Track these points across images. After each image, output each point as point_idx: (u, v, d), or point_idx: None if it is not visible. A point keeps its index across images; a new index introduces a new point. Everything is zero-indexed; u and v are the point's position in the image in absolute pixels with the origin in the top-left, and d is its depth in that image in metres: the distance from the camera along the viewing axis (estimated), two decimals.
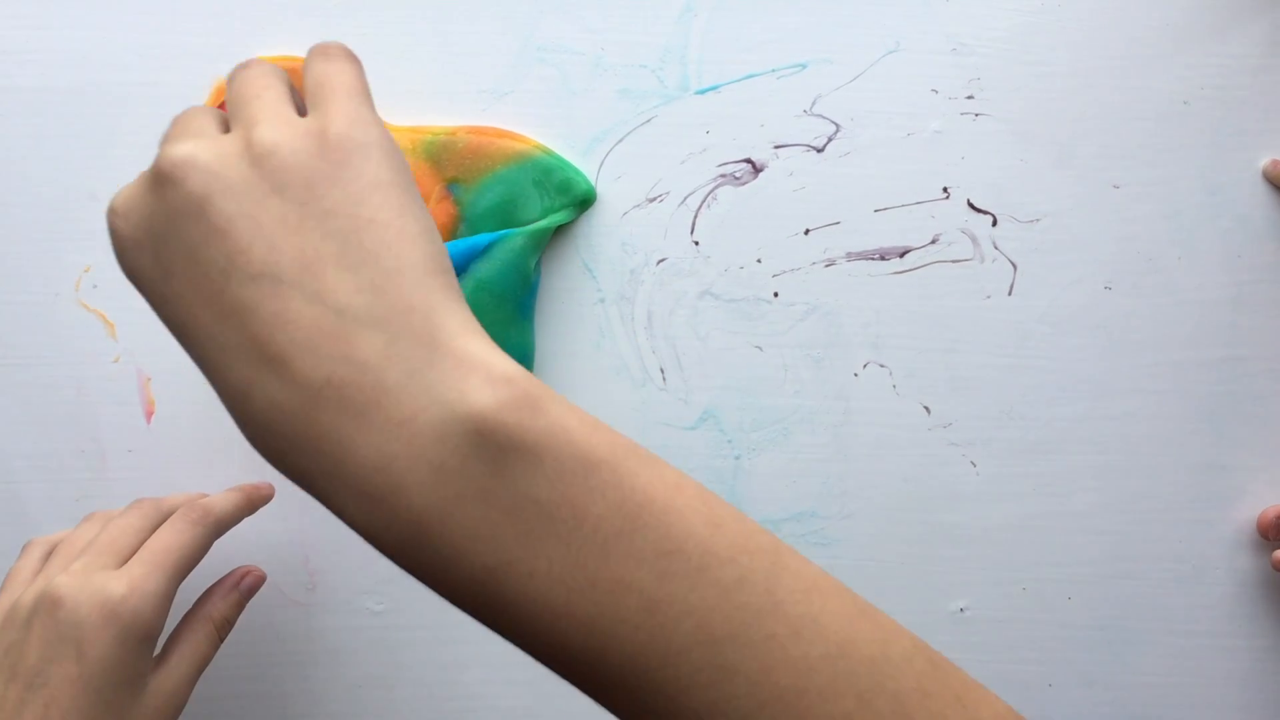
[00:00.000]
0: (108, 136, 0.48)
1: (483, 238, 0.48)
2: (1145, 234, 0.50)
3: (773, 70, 0.50)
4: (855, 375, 0.50)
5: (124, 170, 0.48)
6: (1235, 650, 0.51)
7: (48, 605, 0.38)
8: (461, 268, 0.48)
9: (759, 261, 0.50)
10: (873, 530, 0.51)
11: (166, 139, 0.27)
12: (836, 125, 0.50)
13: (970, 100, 0.50)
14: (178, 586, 0.41)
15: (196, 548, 0.42)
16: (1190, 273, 0.51)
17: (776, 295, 0.50)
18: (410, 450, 0.23)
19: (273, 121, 0.26)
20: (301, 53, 0.48)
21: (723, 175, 0.50)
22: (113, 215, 0.26)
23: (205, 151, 0.25)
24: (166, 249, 0.25)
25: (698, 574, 0.24)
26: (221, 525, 0.44)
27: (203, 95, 0.48)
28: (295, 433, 0.24)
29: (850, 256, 0.50)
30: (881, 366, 0.50)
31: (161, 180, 0.25)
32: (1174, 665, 0.51)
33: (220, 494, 0.45)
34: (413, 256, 0.25)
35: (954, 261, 0.50)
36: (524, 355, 0.49)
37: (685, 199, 0.50)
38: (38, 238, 0.48)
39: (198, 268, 0.25)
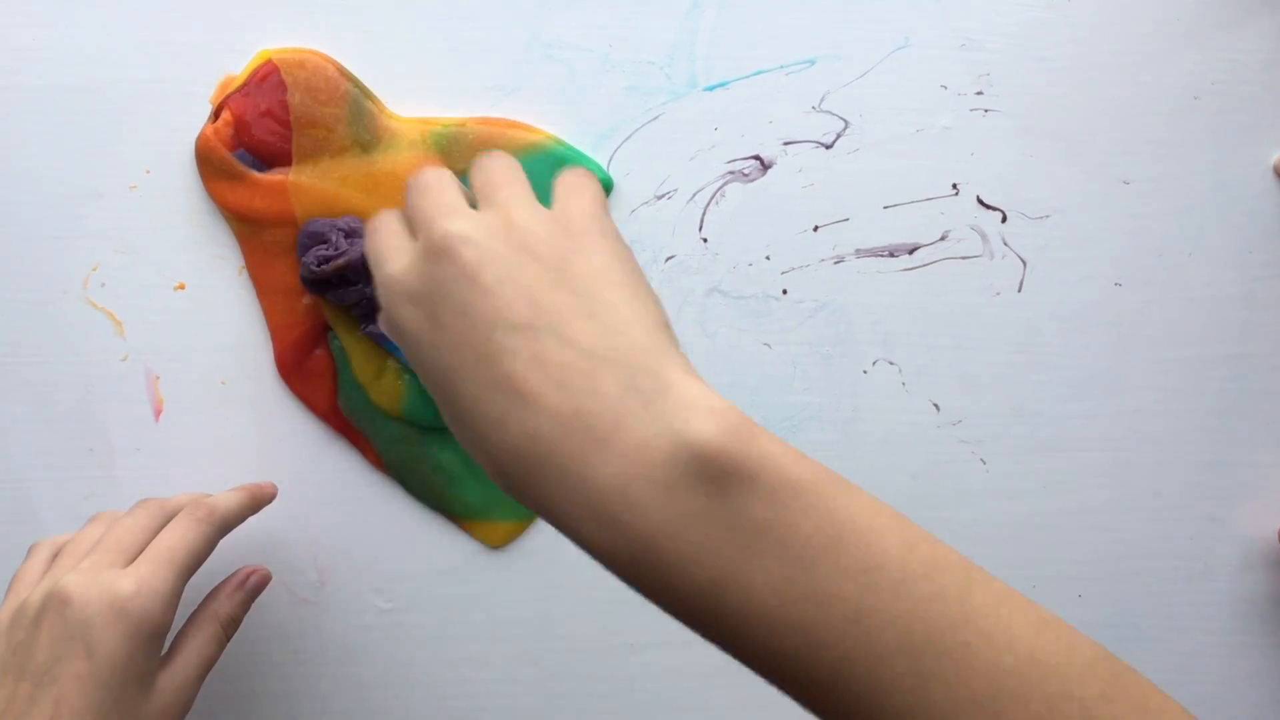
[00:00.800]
0: (114, 134, 0.48)
1: None
2: (1155, 230, 0.50)
3: (781, 66, 0.49)
4: (864, 372, 0.50)
5: (131, 168, 0.48)
6: (1246, 648, 0.51)
7: (56, 603, 0.38)
8: None
9: (767, 258, 0.50)
10: None
11: (432, 214, 0.32)
12: (845, 121, 0.50)
13: (980, 96, 0.50)
14: (185, 584, 0.41)
15: (202, 546, 0.42)
16: (1201, 269, 0.50)
17: (785, 292, 0.50)
18: (645, 473, 0.27)
19: (527, 207, 0.32)
20: (311, 46, 0.48)
21: (731, 172, 0.50)
22: (390, 280, 0.32)
23: (476, 230, 0.31)
24: (439, 306, 0.31)
25: (898, 587, 0.26)
26: (226, 524, 0.44)
27: (208, 91, 0.48)
28: (544, 457, 0.28)
29: (859, 253, 0.50)
30: (891, 364, 0.50)
31: (439, 252, 0.31)
32: (1184, 663, 0.51)
33: (225, 493, 0.46)
34: (641, 311, 0.31)
35: (963, 258, 0.50)
36: None
37: (693, 196, 0.50)
38: (45, 236, 0.48)
39: (466, 320, 0.30)
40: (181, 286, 0.49)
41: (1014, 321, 0.50)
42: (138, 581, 0.39)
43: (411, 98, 0.49)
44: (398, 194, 0.49)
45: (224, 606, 0.44)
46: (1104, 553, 0.51)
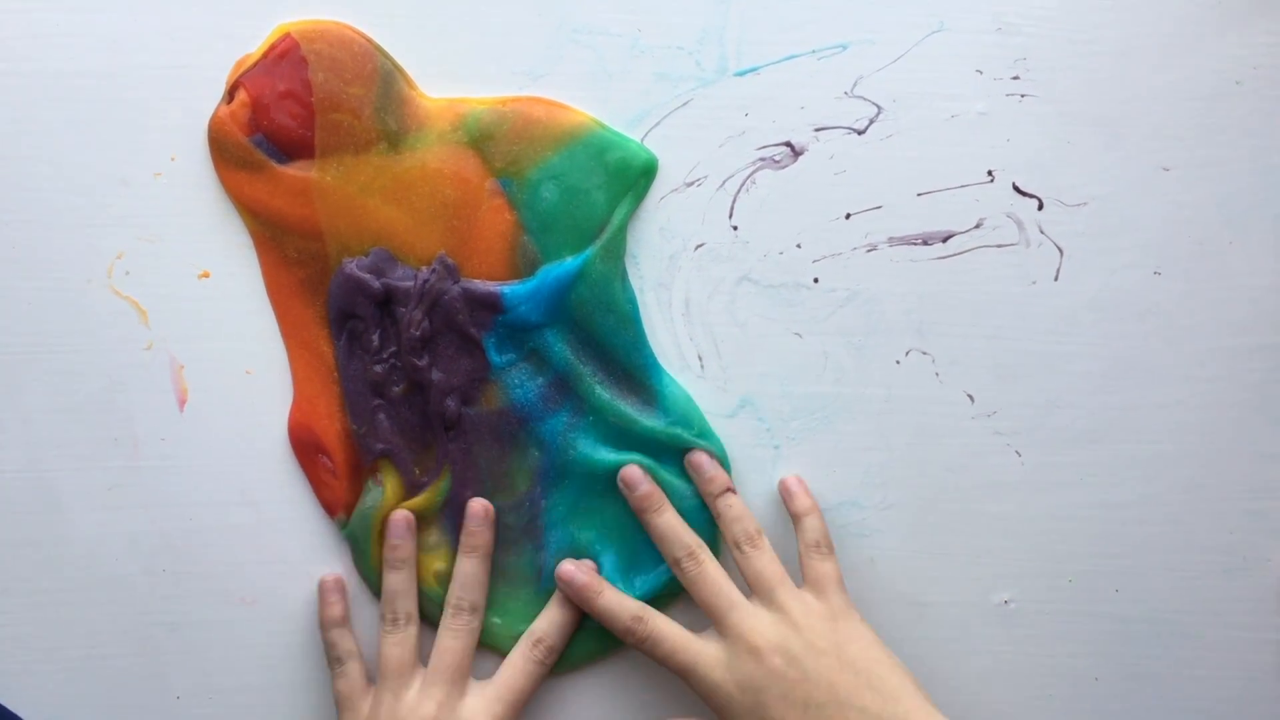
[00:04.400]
0: (139, 120, 0.48)
1: (567, 267, 0.47)
2: (1196, 217, 0.49)
3: (813, 51, 0.49)
4: (897, 363, 0.49)
5: (156, 155, 0.48)
6: None
7: None
8: (559, 303, 0.48)
9: (799, 246, 0.49)
10: (914, 521, 0.50)
11: (736, 616, 0.46)
12: (878, 107, 0.49)
13: (1016, 81, 0.49)
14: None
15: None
16: (1242, 257, 0.49)
17: (816, 281, 0.49)
18: None
19: (800, 606, 0.46)
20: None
21: (762, 159, 0.49)
22: (715, 684, 0.46)
23: (777, 635, 0.45)
24: (762, 692, 0.44)
25: None
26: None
27: (223, 75, 0.47)
28: None
29: (892, 241, 0.49)
30: (924, 354, 0.49)
31: (756, 651, 0.45)
32: (1224, 658, 0.50)
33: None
34: (904, 680, 0.45)
35: (999, 246, 0.49)
36: (649, 363, 0.49)
37: (724, 183, 0.49)
38: (69, 224, 0.48)
39: (787, 701, 0.44)
40: (206, 275, 0.48)
41: (1050, 311, 0.49)
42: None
43: (438, 83, 0.48)
44: (423, 199, 0.48)
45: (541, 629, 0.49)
46: (1141, 547, 0.50)
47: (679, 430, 0.48)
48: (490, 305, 0.48)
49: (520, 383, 0.48)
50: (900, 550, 0.50)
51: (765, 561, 0.47)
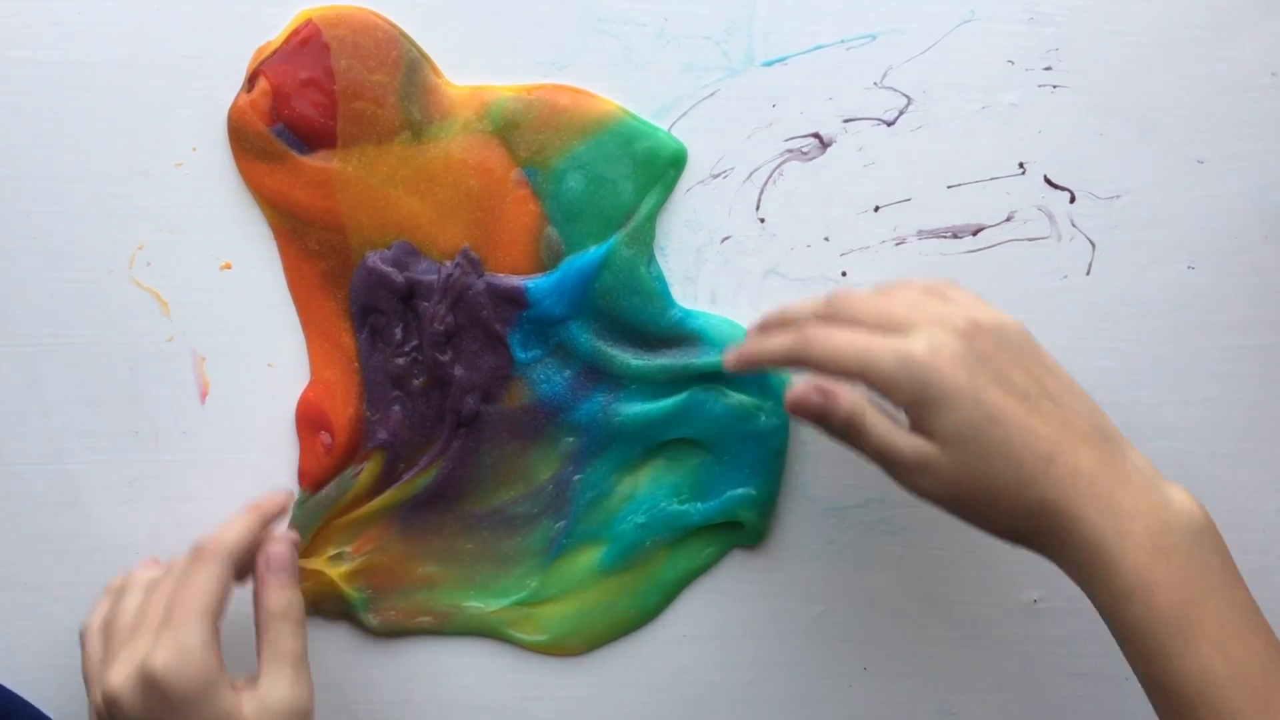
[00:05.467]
0: (160, 111, 0.47)
1: (590, 257, 0.47)
2: (1230, 211, 0.48)
3: (842, 41, 0.48)
4: None
5: (177, 145, 0.47)
6: None
7: (112, 709, 0.40)
8: (583, 294, 0.47)
9: (827, 240, 0.48)
10: (942, 518, 0.48)
11: (951, 311, 0.40)
12: (908, 98, 0.48)
13: (1048, 72, 0.48)
14: (216, 626, 0.40)
15: (217, 588, 0.41)
16: (1277, 251, 0.49)
17: (845, 275, 0.49)
18: (1151, 510, 0.38)
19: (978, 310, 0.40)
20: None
21: (789, 150, 0.48)
22: (941, 351, 0.38)
23: (1001, 321, 0.40)
24: (978, 371, 0.38)
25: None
26: (236, 554, 0.42)
27: (245, 64, 0.47)
28: (1085, 489, 0.38)
29: (922, 235, 0.48)
30: None
31: (979, 331, 0.39)
32: None
33: (227, 523, 0.43)
34: (1092, 402, 0.41)
35: (1030, 240, 0.48)
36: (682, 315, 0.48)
37: (750, 175, 0.48)
38: (89, 215, 0.48)
39: (1002, 388, 0.38)
40: (228, 266, 0.48)
41: (1082, 306, 0.49)
42: (166, 652, 0.39)
43: (462, 72, 0.48)
44: (447, 190, 0.47)
45: (274, 600, 0.43)
46: None
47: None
48: (515, 300, 0.47)
49: (547, 377, 0.48)
50: (928, 548, 0.49)
51: (944, 283, 0.42)
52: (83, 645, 0.43)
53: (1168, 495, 0.38)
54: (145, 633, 0.40)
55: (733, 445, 0.48)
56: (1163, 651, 0.36)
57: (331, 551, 0.48)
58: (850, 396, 0.40)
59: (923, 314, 0.39)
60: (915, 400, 0.38)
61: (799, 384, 0.41)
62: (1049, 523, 0.38)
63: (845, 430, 0.40)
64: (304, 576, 0.47)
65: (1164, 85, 0.48)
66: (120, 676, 0.39)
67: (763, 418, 0.48)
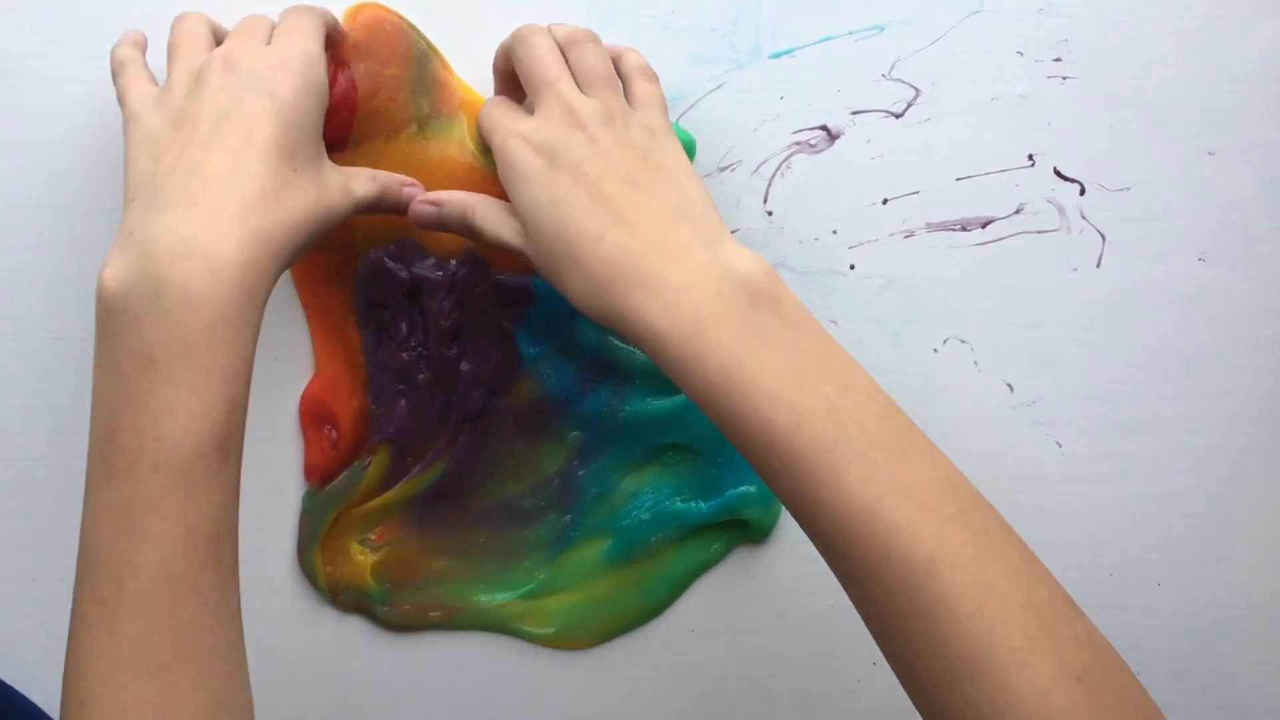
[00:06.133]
0: None
1: None
2: (1241, 203, 0.48)
3: (849, 33, 0.48)
4: (935, 351, 0.49)
5: None
6: None
7: (223, 64, 0.40)
8: None
9: (834, 233, 0.48)
10: None
11: (549, 80, 0.42)
12: (916, 90, 0.48)
13: (1057, 63, 0.48)
14: (324, 41, 0.43)
15: (326, 16, 0.44)
16: None
17: (853, 268, 0.48)
18: (703, 281, 0.37)
19: (621, 107, 0.42)
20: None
21: (797, 143, 0.48)
22: (519, 135, 0.41)
23: (591, 110, 0.41)
24: (559, 157, 0.40)
25: (865, 401, 0.36)
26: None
27: None
28: (629, 265, 0.38)
29: (930, 227, 0.48)
30: (962, 342, 0.48)
31: (566, 117, 0.41)
32: (1268, 654, 0.49)
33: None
34: (705, 196, 0.41)
35: (1039, 232, 0.48)
36: None
37: (758, 168, 0.48)
38: (94, 209, 0.47)
39: (579, 171, 0.39)
40: None
41: (1092, 298, 0.48)
42: (286, 48, 0.41)
43: (468, 66, 0.47)
44: (446, 189, 0.46)
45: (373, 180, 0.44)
46: (1184, 540, 0.49)
47: None
48: (521, 298, 0.47)
49: (555, 372, 0.48)
50: None
51: (602, 59, 0.43)
52: (175, 26, 0.43)
53: (728, 263, 0.38)
54: (260, 34, 0.42)
55: (727, 447, 0.48)
56: (722, 414, 0.36)
57: (357, 537, 0.48)
58: (457, 198, 0.43)
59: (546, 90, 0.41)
60: (506, 180, 0.41)
61: (413, 203, 0.44)
62: (607, 304, 0.38)
63: (466, 230, 0.43)
64: (342, 559, 0.48)
65: (1174, 76, 0.48)
66: (242, 45, 0.41)
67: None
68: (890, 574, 0.34)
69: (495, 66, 0.45)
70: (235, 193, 0.37)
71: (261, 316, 0.37)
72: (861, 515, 0.34)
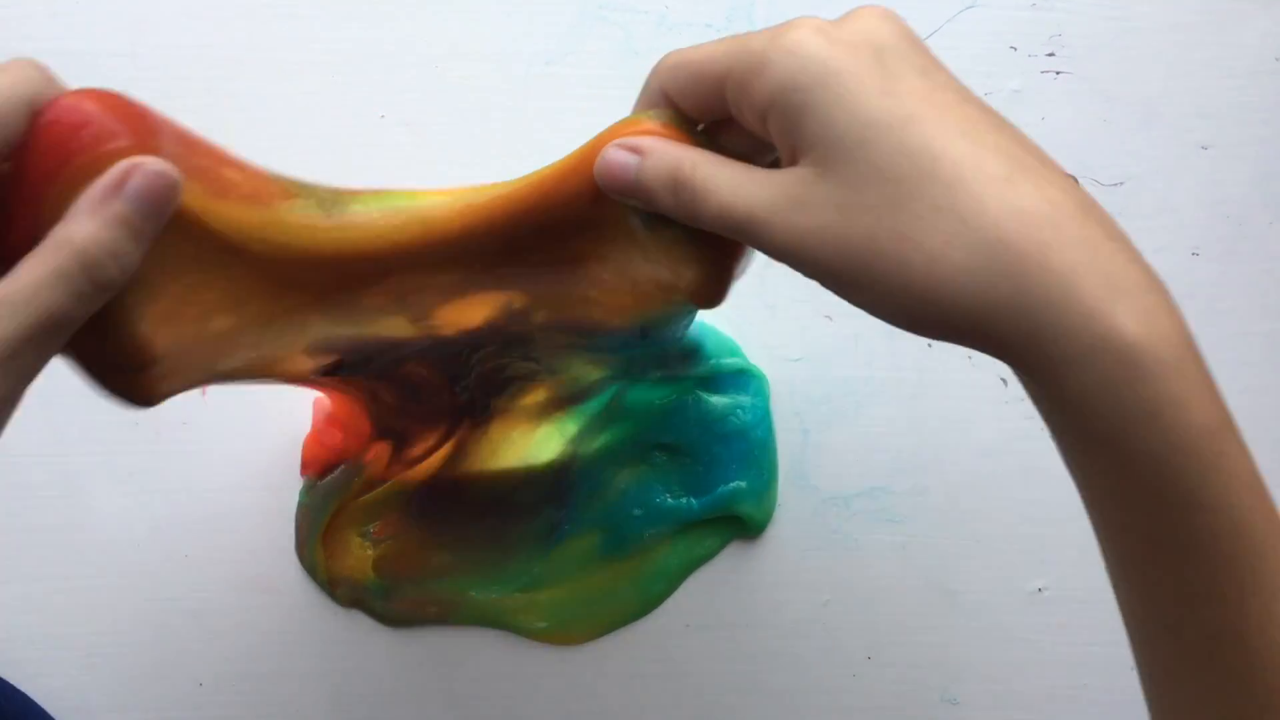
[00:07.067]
0: (158, 102, 0.47)
1: None
2: (1235, 197, 0.48)
3: None
4: (929, 345, 0.49)
5: None
6: None
7: None
8: None
9: None
10: (946, 507, 0.49)
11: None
12: None
13: (1051, 58, 0.48)
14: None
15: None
16: None
17: None
18: (1157, 284, 0.26)
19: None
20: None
21: None
22: (821, 31, 0.28)
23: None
24: (889, 59, 0.27)
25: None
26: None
27: (245, 51, 0.47)
28: (1073, 233, 0.25)
29: None
30: None
31: (886, 14, 0.29)
32: None
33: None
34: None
35: None
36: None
37: None
38: None
39: (933, 80, 0.28)
40: None
41: None
42: None
43: (460, 63, 0.47)
44: None
45: (83, 228, 0.27)
46: None
47: (724, 361, 0.48)
48: None
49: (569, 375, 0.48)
50: (931, 536, 0.49)
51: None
52: None
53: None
54: None
55: (714, 446, 0.48)
56: (1191, 500, 0.24)
57: (358, 530, 0.48)
58: (669, 148, 0.29)
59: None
60: (789, 88, 0.26)
61: (608, 149, 0.30)
62: (1013, 282, 0.24)
63: (675, 193, 0.28)
64: (343, 553, 0.48)
65: (1168, 71, 0.48)
66: None
67: (740, 414, 0.48)
68: None
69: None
70: None
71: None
72: None
